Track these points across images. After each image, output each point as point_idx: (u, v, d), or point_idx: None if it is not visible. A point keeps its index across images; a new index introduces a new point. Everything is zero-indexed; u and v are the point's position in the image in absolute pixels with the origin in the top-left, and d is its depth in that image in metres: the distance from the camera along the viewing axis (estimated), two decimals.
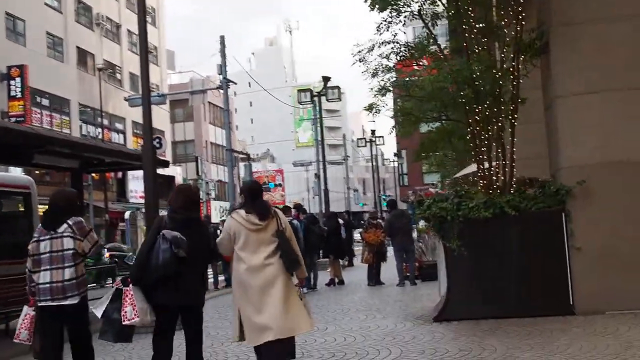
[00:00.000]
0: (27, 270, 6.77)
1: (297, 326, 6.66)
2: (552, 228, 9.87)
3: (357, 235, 32.77)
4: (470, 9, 10.77)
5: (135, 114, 37.39)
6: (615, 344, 7.42)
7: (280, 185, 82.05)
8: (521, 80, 10.67)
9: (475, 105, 10.78)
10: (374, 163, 62.81)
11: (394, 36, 11.60)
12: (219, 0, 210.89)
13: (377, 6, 11.04)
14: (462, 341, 8.36)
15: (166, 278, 6.19)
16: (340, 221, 21.70)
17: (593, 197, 9.71)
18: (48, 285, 6.50)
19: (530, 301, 9.81)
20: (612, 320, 8.94)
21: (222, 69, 28.27)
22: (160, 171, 42.93)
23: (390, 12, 11.31)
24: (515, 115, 10.61)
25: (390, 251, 18.18)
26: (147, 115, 12.13)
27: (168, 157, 46.29)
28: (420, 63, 12.78)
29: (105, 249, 31.11)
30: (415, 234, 18.20)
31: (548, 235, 9.92)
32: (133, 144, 47.16)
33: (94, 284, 16.84)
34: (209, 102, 59.39)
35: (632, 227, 9.68)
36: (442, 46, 12.53)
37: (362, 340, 8.97)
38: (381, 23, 11.27)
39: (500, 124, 10.73)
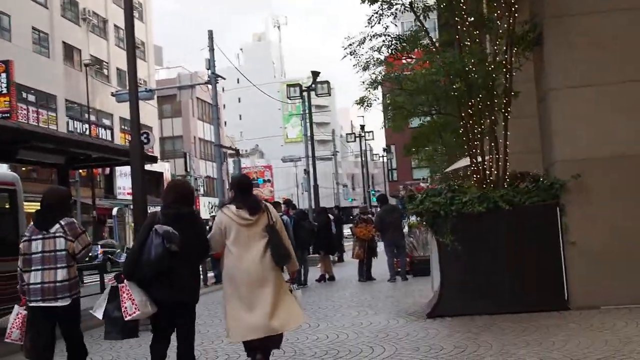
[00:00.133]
0: (18, 269, 6.71)
1: (286, 323, 6.70)
2: (547, 222, 9.75)
3: (346, 230, 32.66)
4: (462, 1, 10.62)
5: (123, 110, 37.12)
6: (613, 340, 7.30)
7: (269, 181, 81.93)
8: (514, 73, 10.52)
9: (467, 99, 10.64)
10: (363, 158, 62.71)
11: (385, 29, 11.46)
12: None
13: None
14: (456, 338, 8.23)
15: (159, 273, 6.11)
16: (330, 216, 21.55)
17: (588, 191, 9.60)
18: (39, 285, 6.44)
19: (525, 296, 9.69)
20: (608, 315, 8.83)
21: (210, 63, 28.03)
22: (148, 167, 42.74)
23: (382, 5, 11.16)
24: (509, 109, 10.47)
25: (380, 246, 18.03)
26: (135, 109, 11.92)
27: (156, 153, 46.14)
28: (412, 56, 12.60)
29: (99, 246, 31.01)
30: (406, 229, 18.06)
31: (542, 230, 9.80)
32: (121, 140, 46.83)
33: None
34: (197, 98, 59.03)
35: (627, 221, 9.57)
36: (433, 40, 12.38)
37: (354, 337, 8.82)
38: (372, 15, 11.12)
39: (493, 118, 10.59)
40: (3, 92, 35.48)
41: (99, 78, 48.18)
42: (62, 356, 8.17)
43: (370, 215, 19.49)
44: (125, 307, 6.05)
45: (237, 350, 8.39)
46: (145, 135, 22.49)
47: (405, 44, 11.75)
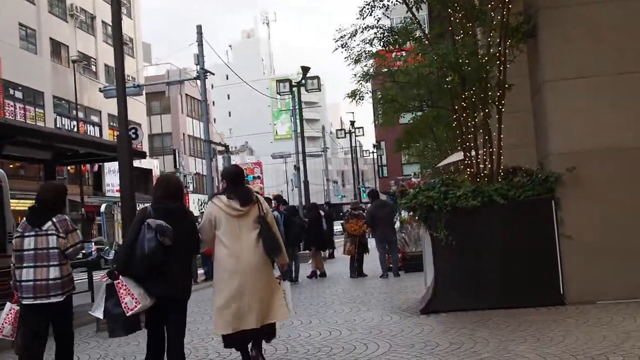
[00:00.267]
0: (12, 264, 6.65)
1: (272, 314, 6.75)
2: (542, 216, 9.61)
3: (337, 227, 32.51)
4: None
5: (111, 107, 36.78)
6: (611, 335, 7.16)
7: (258, 177, 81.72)
8: (507, 66, 10.37)
9: (461, 91, 10.48)
10: (353, 155, 62.57)
11: (377, 21, 11.27)
12: None
13: None
14: (452, 334, 8.07)
15: (151, 269, 6.06)
16: (321, 213, 21.39)
17: (583, 184, 9.47)
18: (31, 283, 6.40)
19: (520, 291, 9.54)
20: (605, 310, 8.69)
21: (199, 59, 27.76)
22: (137, 164, 42.44)
23: None
24: (503, 101, 10.32)
25: (372, 242, 17.87)
26: (122, 103, 11.72)
27: (145, 150, 45.76)
28: (404, 49, 12.42)
29: (93, 243, 30.79)
30: (397, 224, 17.89)
31: (537, 224, 9.65)
32: (109, 137, 46.48)
33: None
34: (186, 94, 58.73)
35: (623, 215, 9.44)
36: (426, 32, 12.22)
37: (348, 334, 8.65)
38: (364, 7, 10.94)
39: (487, 110, 10.43)
40: None
41: (87, 74, 47.83)
42: (49, 354, 8.05)
43: (361, 211, 19.33)
44: (126, 303, 6.00)
45: (228, 349, 8.25)
46: (133, 131, 22.23)
47: (397, 37, 11.57)
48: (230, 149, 44.41)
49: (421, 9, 11.24)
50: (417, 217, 10.20)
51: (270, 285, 6.75)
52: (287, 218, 16.82)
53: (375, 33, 11.35)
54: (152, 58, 71.71)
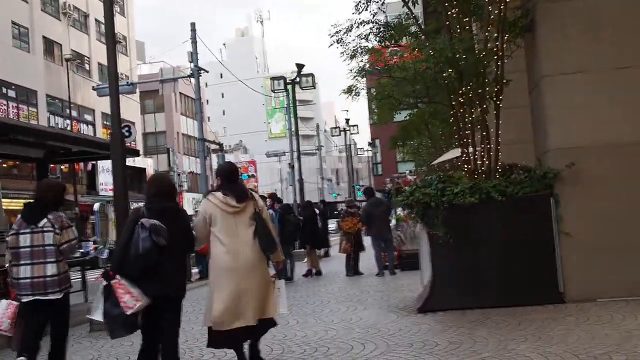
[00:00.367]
0: (7, 262, 6.64)
1: (267, 310, 6.72)
2: (540, 213, 9.49)
3: (331, 226, 32.38)
4: None
5: (105, 105, 36.36)
6: (613, 334, 7.04)
7: (253, 176, 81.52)
8: (505, 61, 10.24)
9: (458, 87, 10.34)
10: (348, 153, 62.45)
11: (373, 15, 11.13)
12: None
13: None
14: (450, 333, 7.94)
15: (146, 268, 6.03)
16: (316, 211, 21.25)
17: (582, 180, 9.35)
18: (29, 280, 6.39)
19: (518, 289, 9.42)
20: (605, 308, 8.58)
21: (193, 56, 27.60)
22: (131, 163, 42.25)
23: None
24: (500, 97, 10.19)
25: (367, 240, 17.74)
26: (115, 100, 11.55)
27: (139, 149, 45.55)
28: (401, 44, 12.26)
29: (91, 242, 30.69)
30: (393, 222, 17.78)
31: (536, 221, 9.53)
32: (103, 135, 46.21)
33: None
34: (180, 93, 58.51)
35: (622, 211, 9.33)
36: (422, 27, 12.06)
37: (344, 334, 8.51)
38: (360, 1, 10.79)
39: (485, 106, 10.30)
40: None
41: (80, 73, 47.54)
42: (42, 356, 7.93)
43: (356, 209, 19.19)
44: (125, 301, 5.98)
45: (222, 349, 8.12)
46: (126, 128, 22.08)
47: (393, 32, 11.43)
48: (224, 148, 44.25)
49: (417, 3, 11.07)
50: (414, 215, 10.05)
51: (266, 282, 6.75)
52: (282, 216, 16.67)
53: (370, 28, 11.23)
54: (145, 56, 71.49)
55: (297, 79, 32.67)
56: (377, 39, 11.43)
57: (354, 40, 11.48)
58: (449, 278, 9.73)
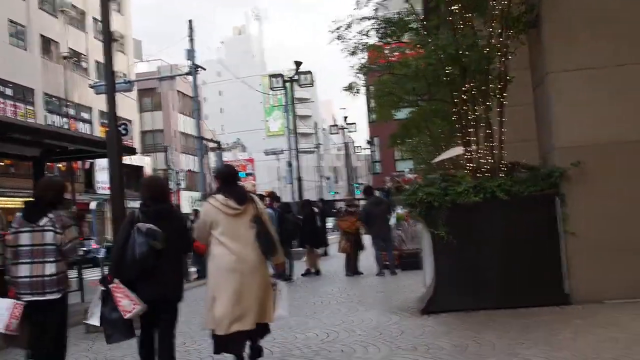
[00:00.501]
0: (7, 260, 6.62)
1: (265, 315, 6.71)
2: (545, 213, 9.30)
3: (328, 224, 32.15)
4: None
5: (102, 103, 36.22)
6: (623, 338, 6.84)
7: (251, 174, 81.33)
8: (510, 57, 10.04)
9: (461, 84, 10.14)
10: (346, 151, 62.26)
11: (375, 11, 10.93)
12: None
13: None
14: (455, 335, 7.75)
15: (143, 272, 6.02)
16: (315, 209, 21.05)
17: (588, 179, 9.15)
18: (27, 279, 6.31)
19: (523, 290, 9.22)
20: (612, 310, 8.39)
21: (190, 54, 27.39)
22: (128, 161, 42.00)
23: None
24: (504, 94, 9.99)
25: (367, 239, 17.54)
26: (111, 97, 11.34)
27: (136, 147, 45.37)
28: (403, 41, 12.05)
29: (93, 240, 30.52)
30: (392, 221, 17.57)
31: (541, 221, 9.33)
32: (100, 133, 45.95)
33: None
34: (178, 91, 58.42)
35: (629, 211, 9.14)
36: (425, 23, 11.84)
37: (346, 336, 8.32)
38: None
39: (488, 104, 10.10)
40: None
41: (78, 71, 47.32)
42: None
43: (356, 208, 18.99)
44: (123, 306, 5.96)
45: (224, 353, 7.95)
46: (123, 126, 21.85)
47: (394, 28, 11.22)
48: (222, 146, 44.06)
49: None
50: (416, 214, 9.86)
51: (266, 284, 6.72)
52: (280, 215, 16.48)
53: (372, 24, 11.02)
54: (143, 55, 71.24)
55: (296, 77, 32.47)
56: (379, 35, 11.21)
57: (355, 36, 11.27)
58: (452, 279, 9.54)
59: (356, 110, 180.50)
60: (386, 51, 11.65)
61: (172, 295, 6.29)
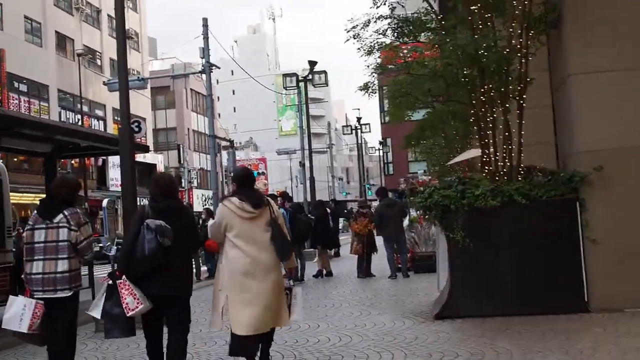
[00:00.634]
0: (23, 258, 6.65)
1: (278, 320, 6.69)
2: (566, 218, 9.08)
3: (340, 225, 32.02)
4: None
5: (116, 101, 36.07)
6: None
7: (263, 173, 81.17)
8: (530, 58, 9.82)
9: (480, 85, 9.93)
10: (359, 151, 62.03)
11: (392, 10, 10.73)
12: None
13: None
14: (471, 343, 7.54)
15: (152, 269, 6.02)
16: (327, 210, 20.87)
17: (610, 184, 8.92)
18: (40, 276, 6.35)
19: (541, 297, 9.01)
20: (633, 319, 8.18)
21: (204, 52, 27.27)
22: (141, 159, 41.92)
23: None
24: (524, 96, 9.76)
25: (380, 241, 17.34)
26: (124, 93, 11.20)
27: (149, 145, 45.36)
28: (420, 41, 11.84)
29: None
30: (405, 223, 17.34)
31: (561, 226, 9.11)
32: (114, 131, 45.90)
33: None
34: (191, 89, 58.26)
35: None
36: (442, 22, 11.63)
37: (359, 341, 8.13)
38: None
39: (507, 105, 9.88)
40: None
41: (92, 68, 47.36)
42: (43, 357, 7.63)
43: (369, 209, 18.80)
44: (127, 303, 5.95)
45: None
46: (136, 124, 21.73)
47: (411, 28, 11.01)
48: (235, 145, 43.93)
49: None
50: (432, 217, 9.66)
51: (279, 288, 6.66)
52: (292, 215, 16.32)
53: (389, 23, 10.82)
54: (157, 53, 71.30)
55: (310, 76, 32.28)
56: (395, 34, 11.00)
57: (371, 35, 11.06)
58: (467, 283, 9.34)
59: (369, 111, 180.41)
60: (404, 51, 11.40)
61: (180, 291, 6.27)
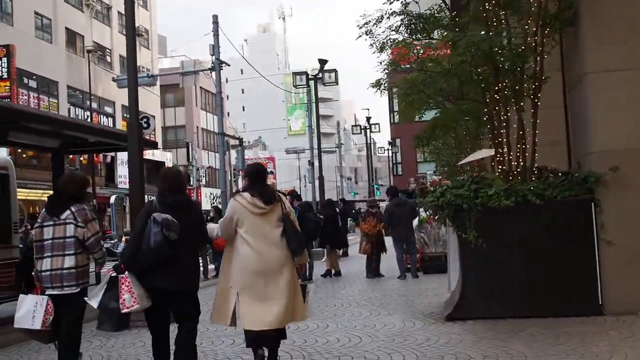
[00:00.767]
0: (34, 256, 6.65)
1: (295, 314, 6.63)
2: (580, 219, 8.92)
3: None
4: None
5: (125, 98, 36.07)
6: None
7: (271, 173, 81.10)
8: (545, 56, 9.66)
9: (494, 83, 9.76)
10: (368, 151, 61.89)
11: (406, 6, 10.57)
12: None
13: None
14: (483, 345, 7.38)
15: (158, 262, 5.97)
16: (336, 209, 20.71)
17: (627, 185, 8.75)
18: (48, 273, 6.36)
19: (554, 299, 8.84)
20: None
21: (214, 49, 27.16)
22: (150, 156, 41.76)
23: None
24: (539, 95, 9.60)
25: (389, 241, 17.18)
26: (133, 89, 11.08)
27: (158, 142, 45.27)
28: (433, 38, 11.66)
29: (123, 235, 30.46)
30: (415, 223, 17.18)
31: (575, 227, 8.95)
32: (123, 128, 45.99)
33: None
34: (200, 87, 58.31)
35: None
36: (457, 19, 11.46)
37: (369, 342, 7.98)
38: None
39: (522, 104, 9.71)
40: (3, 76, 34.69)
41: (102, 65, 47.36)
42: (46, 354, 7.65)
43: (378, 209, 18.63)
44: (124, 299, 5.91)
45: (239, 354, 7.73)
46: (145, 120, 21.59)
47: (425, 24, 10.84)
48: (243, 143, 43.87)
49: None
50: (444, 217, 9.50)
51: (294, 283, 6.59)
52: (301, 214, 16.15)
53: (402, 20, 10.66)
54: (167, 51, 71.28)
55: (320, 75, 32.14)
56: (408, 31, 10.84)
57: (384, 32, 10.90)
58: (479, 285, 9.18)
59: (377, 112, 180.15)
60: (417, 46, 11.23)
61: (187, 286, 6.20)
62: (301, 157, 69.92)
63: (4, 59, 34.62)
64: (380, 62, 11.56)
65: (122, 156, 42.42)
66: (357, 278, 16.50)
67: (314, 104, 33.47)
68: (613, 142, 8.87)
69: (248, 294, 6.39)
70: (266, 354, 6.76)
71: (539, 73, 9.59)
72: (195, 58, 38.70)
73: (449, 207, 9.23)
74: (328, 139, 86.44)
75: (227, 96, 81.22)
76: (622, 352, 6.59)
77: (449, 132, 20.62)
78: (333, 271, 17.52)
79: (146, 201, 9.57)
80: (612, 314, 8.52)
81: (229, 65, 30.19)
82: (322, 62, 31.05)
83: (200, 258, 8.44)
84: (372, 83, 12.62)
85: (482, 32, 9.67)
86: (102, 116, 46.24)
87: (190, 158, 57.53)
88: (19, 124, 10.54)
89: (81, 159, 38.60)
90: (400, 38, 11.07)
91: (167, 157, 53.46)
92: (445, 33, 10.96)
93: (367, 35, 10.96)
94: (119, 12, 49.00)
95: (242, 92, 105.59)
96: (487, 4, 9.82)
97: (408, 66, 12.88)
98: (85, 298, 6.28)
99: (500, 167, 9.86)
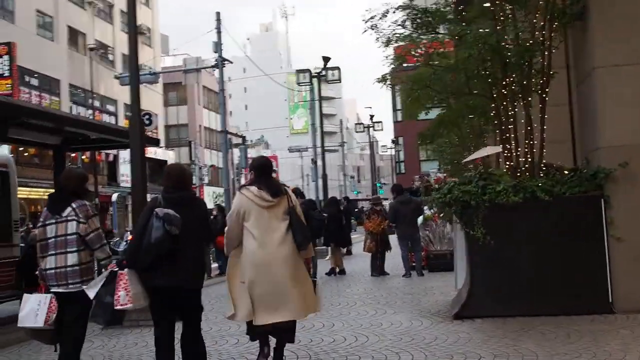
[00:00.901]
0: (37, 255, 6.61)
1: (309, 307, 6.62)
2: (589, 215, 8.78)
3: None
4: None
5: (127, 96, 36.12)
6: None
7: (274, 171, 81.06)
8: (553, 51, 9.50)
9: (501, 78, 9.61)
10: (371, 150, 61.77)
11: (411, 0, 10.43)
12: None
13: None
14: (493, 344, 7.24)
15: (160, 258, 5.86)
16: (340, 208, 20.57)
17: (636, 181, 8.61)
18: (53, 271, 6.31)
19: (564, 297, 8.70)
20: None
21: (217, 47, 27.03)
22: (152, 155, 41.66)
23: None
24: (547, 90, 9.45)
25: (393, 239, 17.04)
26: (135, 85, 10.95)
27: (161, 141, 45.15)
28: (440, 32, 11.48)
29: (128, 232, 30.31)
30: (419, 221, 17.04)
31: (584, 224, 8.81)
32: (125, 126, 45.87)
33: None
34: (203, 86, 58.22)
35: None
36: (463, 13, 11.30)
37: (376, 341, 7.85)
38: None
39: (529, 99, 9.56)
40: (5, 74, 34.56)
41: (104, 63, 47.20)
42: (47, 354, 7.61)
43: (382, 207, 18.48)
44: (119, 296, 5.89)
45: (243, 353, 7.62)
46: (147, 117, 21.48)
47: (430, 19, 10.69)
48: (246, 142, 43.77)
49: None
50: (451, 213, 9.36)
51: (303, 275, 6.60)
52: (305, 212, 15.98)
53: (407, 14, 10.51)
54: (169, 50, 71.17)
55: (323, 72, 32.01)
56: (414, 25, 10.69)
57: (389, 26, 10.75)
58: (487, 283, 9.04)
59: (380, 110, 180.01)
60: (424, 40, 11.07)
61: (190, 284, 6.09)
62: (304, 156, 69.80)
63: (6, 57, 34.47)
64: (387, 57, 11.40)
65: (125, 155, 42.33)
66: (362, 276, 16.38)
67: (317, 102, 33.33)
68: (621, 138, 8.73)
69: (259, 287, 6.35)
70: (272, 353, 6.67)
71: (547, 68, 9.44)
72: (197, 56, 38.65)
73: (456, 204, 9.09)
74: (331, 138, 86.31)
75: (230, 95, 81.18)
76: (636, 351, 6.44)
77: (453, 130, 20.46)
78: (337, 269, 17.39)
79: (149, 199, 9.46)
80: (622, 312, 8.40)
81: (231, 63, 30.12)
82: (326, 59, 30.94)
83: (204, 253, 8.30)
84: (378, 78, 12.45)
85: (489, 26, 9.51)
86: (104, 114, 46.10)
87: (193, 157, 57.40)
88: (21, 120, 10.41)
89: (83, 157, 38.44)
90: (406, 33, 10.90)
91: (169, 156, 53.28)
92: (452, 27, 10.81)
93: (372, 29, 10.80)
94: (121, 11, 48.85)
95: (245, 91, 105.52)
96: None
97: (412, 65, 12.70)
98: (83, 287, 6.19)
99: (507, 163, 9.71)
